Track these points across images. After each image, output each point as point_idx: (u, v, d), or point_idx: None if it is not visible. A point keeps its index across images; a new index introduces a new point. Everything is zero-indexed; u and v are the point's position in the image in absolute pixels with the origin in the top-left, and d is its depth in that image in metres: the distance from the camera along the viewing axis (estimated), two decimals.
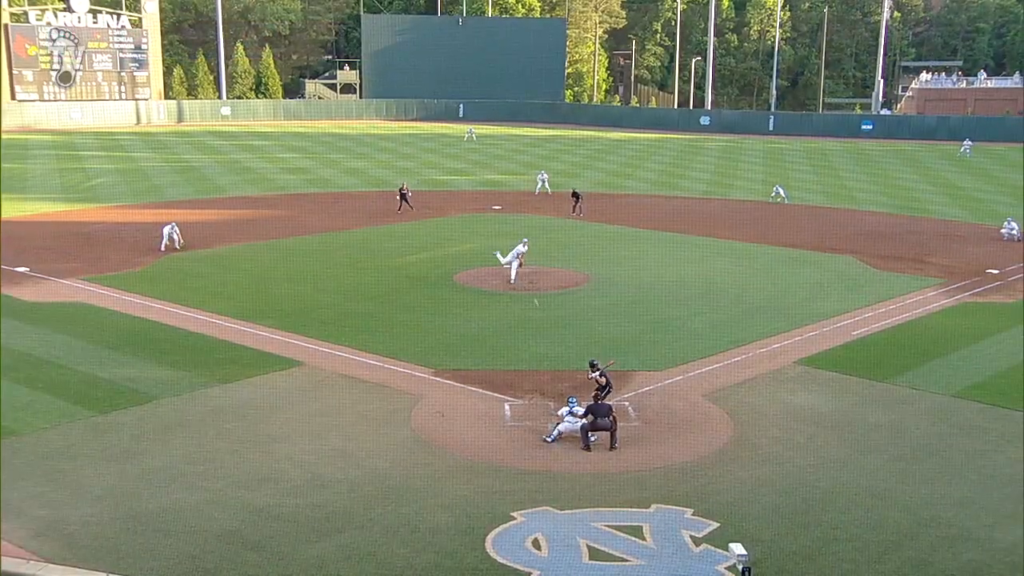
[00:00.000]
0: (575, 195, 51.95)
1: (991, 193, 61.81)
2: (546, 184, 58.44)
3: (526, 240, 35.12)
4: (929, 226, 49.55)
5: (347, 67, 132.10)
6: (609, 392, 21.24)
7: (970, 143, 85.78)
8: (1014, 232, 44.27)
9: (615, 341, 27.13)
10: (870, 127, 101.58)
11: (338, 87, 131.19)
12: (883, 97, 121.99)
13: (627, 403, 22.01)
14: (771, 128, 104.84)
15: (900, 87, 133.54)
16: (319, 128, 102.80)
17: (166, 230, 39.81)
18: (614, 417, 19.89)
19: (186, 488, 17.45)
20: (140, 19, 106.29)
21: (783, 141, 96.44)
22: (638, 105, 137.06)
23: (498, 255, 34.46)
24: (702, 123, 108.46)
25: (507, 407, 21.80)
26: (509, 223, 47.87)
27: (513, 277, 33.76)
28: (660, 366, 25.02)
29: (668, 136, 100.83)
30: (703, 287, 34.36)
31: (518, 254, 33.92)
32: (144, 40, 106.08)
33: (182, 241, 40.11)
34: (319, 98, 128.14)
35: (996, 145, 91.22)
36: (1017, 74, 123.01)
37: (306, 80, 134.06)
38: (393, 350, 25.95)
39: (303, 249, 40.45)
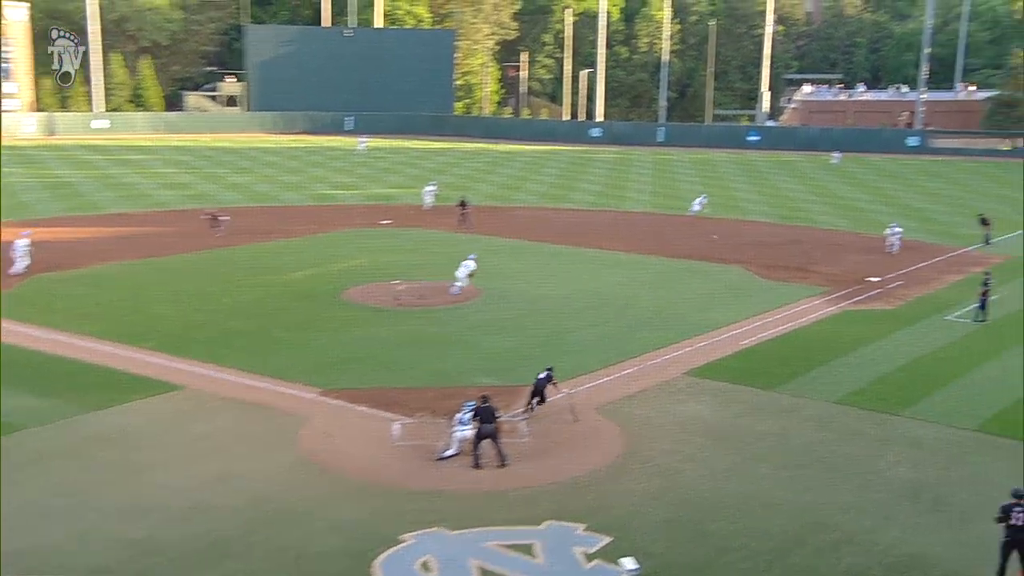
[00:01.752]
0: (462, 204, 51.20)
1: (870, 202, 63.42)
2: (432, 197, 56.84)
3: (473, 256, 34.75)
4: (813, 235, 50.39)
5: (231, 79, 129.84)
6: (534, 406, 21.48)
7: (839, 154, 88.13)
8: (896, 238, 44.97)
9: (506, 356, 26.90)
10: (757, 138, 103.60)
11: (221, 99, 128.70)
12: (768, 109, 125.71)
13: (518, 419, 21.74)
14: (661, 139, 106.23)
15: (784, 99, 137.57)
16: (201, 142, 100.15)
17: (20, 245, 36.89)
18: (498, 426, 19.55)
19: (55, 524, 16.71)
20: (2, 27, 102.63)
21: (672, 152, 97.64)
22: (529, 117, 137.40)
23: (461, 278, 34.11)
24: (592, 135, 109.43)
25: (397, 426, 21.44)
26: (398, 238, 47.25)
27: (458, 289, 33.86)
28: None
29: (559, 148, 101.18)
30: (593, 300, 34.26)
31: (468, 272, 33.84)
32: (9, 49, 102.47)
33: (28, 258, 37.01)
34: (201, 111, 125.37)
35: (873, 156, 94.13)
36: (892, 87, 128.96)
37: (187, 92, 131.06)
38: (279, 370, 25.38)
39: (184, 267, 39.27)
